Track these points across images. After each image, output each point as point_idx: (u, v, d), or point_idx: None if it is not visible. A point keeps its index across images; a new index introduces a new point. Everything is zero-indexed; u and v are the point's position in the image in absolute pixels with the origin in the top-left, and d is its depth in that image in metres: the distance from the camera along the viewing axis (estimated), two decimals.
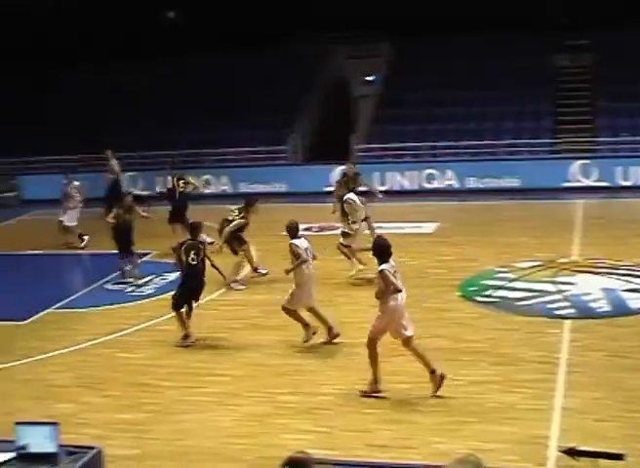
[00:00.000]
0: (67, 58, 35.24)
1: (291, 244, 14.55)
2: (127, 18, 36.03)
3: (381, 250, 12.30)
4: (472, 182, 29.21)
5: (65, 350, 15.19)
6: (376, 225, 19.80)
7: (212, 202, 27.41)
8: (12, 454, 8.95)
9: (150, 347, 15.06)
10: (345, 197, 18.94)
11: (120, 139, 30.91)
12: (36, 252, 22.89)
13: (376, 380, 12.40)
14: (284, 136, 31.16)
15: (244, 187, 29.68)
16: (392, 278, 12.03)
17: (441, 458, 8.54)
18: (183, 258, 14.91)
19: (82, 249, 22.76)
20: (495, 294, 17.02)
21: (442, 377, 12.15)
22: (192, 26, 36.70)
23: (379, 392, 12.37)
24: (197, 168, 29.49)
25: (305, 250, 14.56)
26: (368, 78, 36.04)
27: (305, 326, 14.59)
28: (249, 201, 18.93)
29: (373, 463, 9.90)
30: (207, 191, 29.05)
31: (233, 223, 18.30)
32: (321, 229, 22.89)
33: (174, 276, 18.83)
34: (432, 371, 12.17)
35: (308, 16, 34.36)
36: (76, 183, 23.63)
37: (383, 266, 12.11)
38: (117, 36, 35.95)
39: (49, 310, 17.57)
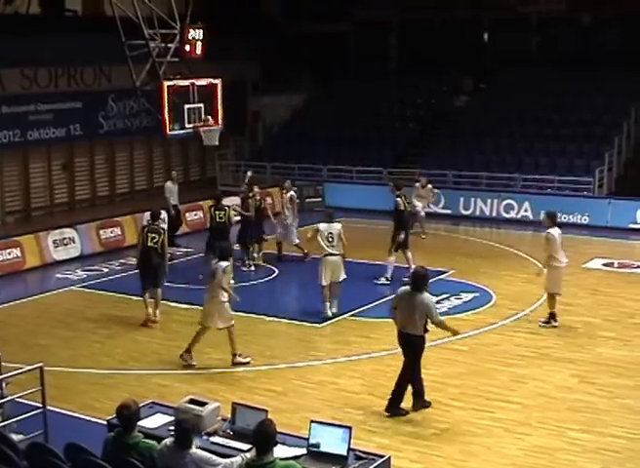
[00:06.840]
0: None
1: None
2: None
3: None
4: None
5: (360, 357, 15.59)
6: None
7: (512, 227, 27.31)
8: (303, 450, 9.30)
9: (443, 365, 15.04)
10: None
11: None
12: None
13: None
14: (591, 168, 29.89)
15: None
16: None
17: None
18: None
19: None
20: None
21: None
22: None
23: None
24: (500, 191, 29.25)
25: None
26: None
27: None
28: None
29: None
30: (507, 216, 28.67)
31: None
32: (622, 266, 22.15)
33: (470, 296, 18.96)
34: None
35: None
36: None
37: None
38: None
39: (346, 316, 18.02)
